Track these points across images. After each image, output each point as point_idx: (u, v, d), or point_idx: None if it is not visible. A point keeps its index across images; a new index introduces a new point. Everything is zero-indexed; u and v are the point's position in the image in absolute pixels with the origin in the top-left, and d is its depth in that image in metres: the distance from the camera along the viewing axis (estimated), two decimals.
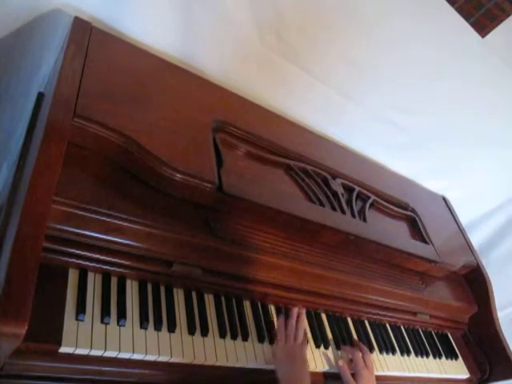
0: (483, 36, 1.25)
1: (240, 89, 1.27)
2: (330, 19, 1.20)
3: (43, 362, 0.75)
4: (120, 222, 0.83)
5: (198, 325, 0.93)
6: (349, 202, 1.28)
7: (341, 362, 1.09)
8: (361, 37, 1.24)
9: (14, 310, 0.60)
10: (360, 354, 1.11)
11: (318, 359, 1.07)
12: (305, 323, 1.09)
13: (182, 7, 1.10)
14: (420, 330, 1.41)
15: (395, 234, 1.36)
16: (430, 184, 1.75)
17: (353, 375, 1.08)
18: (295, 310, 1.08)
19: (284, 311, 1.10)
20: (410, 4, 1.19)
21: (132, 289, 0.89)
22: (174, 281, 0.95)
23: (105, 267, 0.86)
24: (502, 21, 1.22)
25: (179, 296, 0.95)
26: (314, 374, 1.06)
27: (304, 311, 1.10)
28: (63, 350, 0.74)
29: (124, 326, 0.83)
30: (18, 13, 1.06)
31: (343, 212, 1.21)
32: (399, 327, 1.35)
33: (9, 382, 0.73)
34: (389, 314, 1.33)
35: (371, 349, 1.20)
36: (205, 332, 0.92)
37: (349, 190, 1.33)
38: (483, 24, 1.22)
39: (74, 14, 1.03)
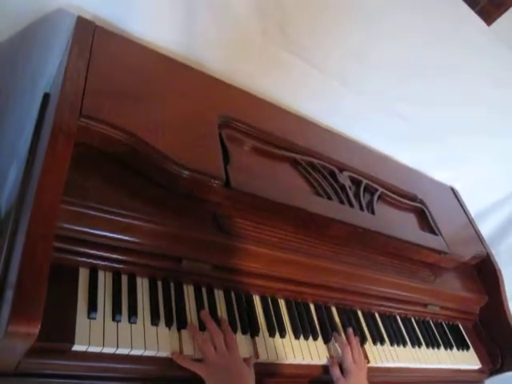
0: (489, 24, 1.24)
1: (243, 83, 1.26)
2: (332, 10, 1.19)
3: (57, 360, 0.75)
4: (129, 221, 0.84)
5: None
6: (357, 195, 1.27)
7: (329, 360, 1.07)
8: (363, 26, 1.23)
9: (27, 310, 0.61)
10: (349, 349, 1.08)
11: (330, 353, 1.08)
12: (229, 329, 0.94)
13: (183, 2, 1.10)
14: (431, 322, 1.40)
15: (404, 226, 1.35)
16: (438, 175, 1.74)
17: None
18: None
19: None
20: None
21: (142, 286, 0.89)
22: (183, 277, 0.95)
23: (115, 265, 0.87)
24: (509, 7, 1.20)
25: (189, 292, 0.95)
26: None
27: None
28: (76, 348, 0.75)
29: (135, 323, 0.83)
30: (21, 14, 1.06)
31: (351, 205, 1.21)
32: (410, 319, 1.35)
33: (24, 380, 0.74)
34: (399, 306, 1.32)
35: (382, 341, 1.20)
36: None
37: (356, 182, 1.32)
38: (489, 12, 1.21)
39: (77, 13, 1.03)
